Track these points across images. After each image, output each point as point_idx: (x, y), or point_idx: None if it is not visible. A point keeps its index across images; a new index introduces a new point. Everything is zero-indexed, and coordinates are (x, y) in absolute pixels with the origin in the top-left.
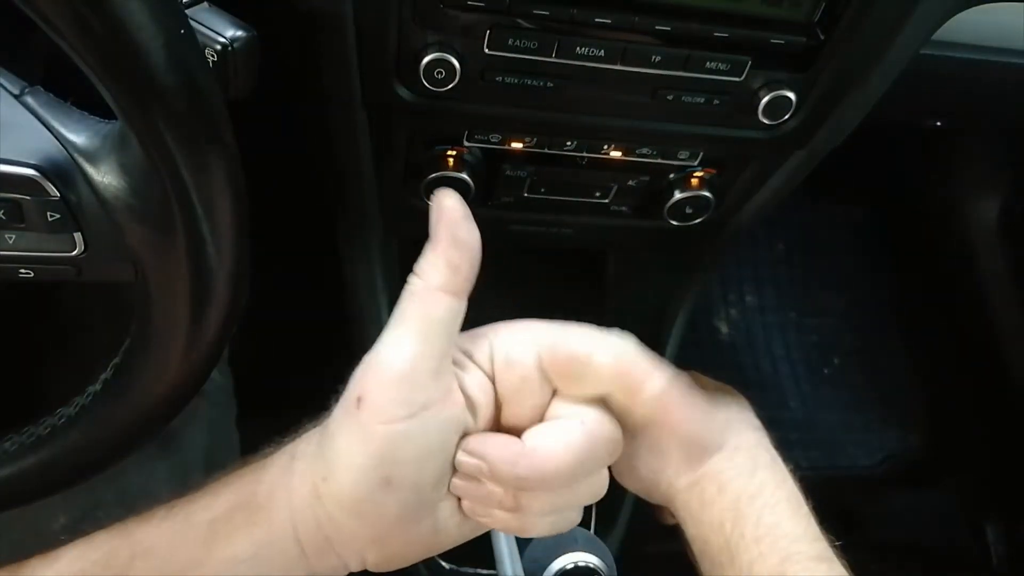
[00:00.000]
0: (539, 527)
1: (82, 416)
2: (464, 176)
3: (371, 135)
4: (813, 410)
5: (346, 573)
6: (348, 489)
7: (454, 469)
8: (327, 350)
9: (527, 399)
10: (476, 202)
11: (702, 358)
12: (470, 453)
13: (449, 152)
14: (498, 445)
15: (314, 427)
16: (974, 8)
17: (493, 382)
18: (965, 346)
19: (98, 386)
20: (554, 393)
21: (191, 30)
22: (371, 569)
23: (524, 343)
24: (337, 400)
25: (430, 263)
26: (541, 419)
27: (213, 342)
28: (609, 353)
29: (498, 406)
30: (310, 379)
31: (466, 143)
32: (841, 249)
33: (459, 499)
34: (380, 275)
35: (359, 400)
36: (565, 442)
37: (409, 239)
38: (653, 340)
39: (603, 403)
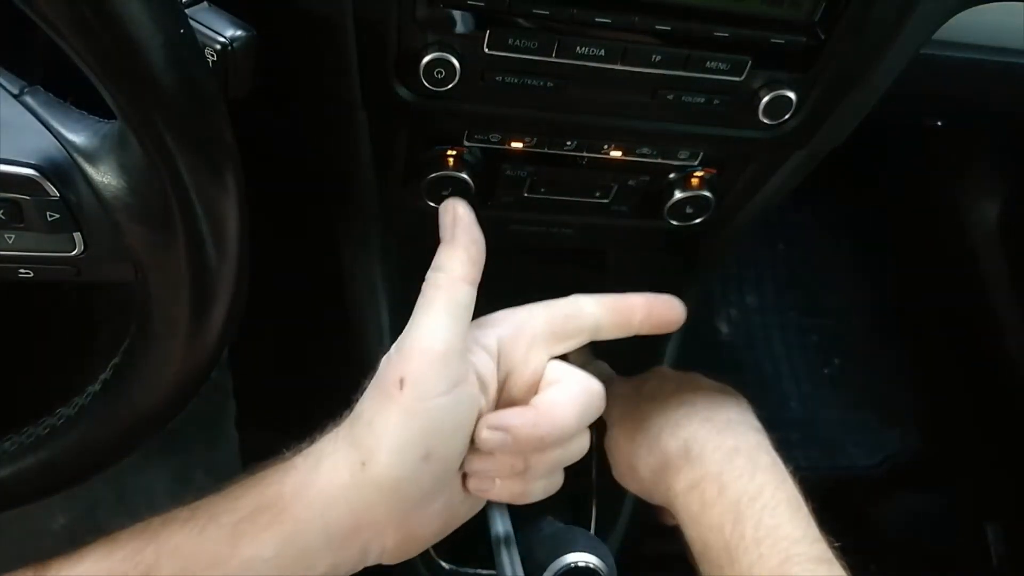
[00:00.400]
0: (536, 490)
1: (81, 416)
2: (464, 176)
3: (371, 135)
4: (813, 410)
5: (361, 567)
6: (388, 469)
7: (470, 447)
8: (326, 351)
9: (528, 368)
10: (476, 202)
11: (702, 358)
12: (493, 427)
13: (449, 152)
14: (516, 414)
15: (334, 427)
16: (974, 8)
17: (496, 364)
18: (965, 346)
19: (98, 386)
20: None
21: (191, 30)
22: (387, 559)
23: (526, 318)
24: (355, 400)
25: (452, 258)
26: (535, 392)
27: (213, 342)
28: (590, 300)
29: (499, 388)
30: (309, 379)
31: (466, 143)
32: (842, 249)
33: (463, 478)
34: (380, 275)
35: (402, 382)
36: (570, 397)
37: (409, 238)
38: (653, 340)
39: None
